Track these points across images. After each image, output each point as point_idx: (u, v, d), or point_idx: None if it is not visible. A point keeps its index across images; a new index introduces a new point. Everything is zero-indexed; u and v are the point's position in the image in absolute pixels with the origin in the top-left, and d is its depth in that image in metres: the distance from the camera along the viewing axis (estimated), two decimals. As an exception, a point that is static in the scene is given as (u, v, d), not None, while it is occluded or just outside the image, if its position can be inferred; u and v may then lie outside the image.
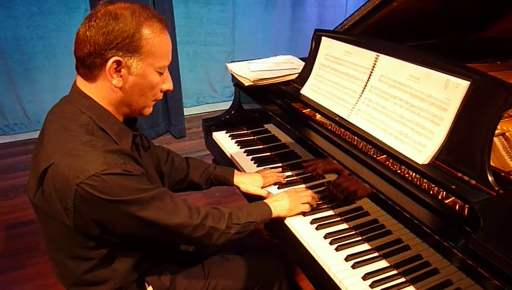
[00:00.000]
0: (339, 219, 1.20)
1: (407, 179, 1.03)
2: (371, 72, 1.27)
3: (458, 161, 1.00)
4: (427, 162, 1.04)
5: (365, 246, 1.09)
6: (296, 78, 1.63)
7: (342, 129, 1.28)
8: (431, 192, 0.98)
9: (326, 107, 1.39)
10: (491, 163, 0.97)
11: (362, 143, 1.20)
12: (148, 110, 1.03)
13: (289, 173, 1.45)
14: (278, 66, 1.74)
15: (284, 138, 1.51)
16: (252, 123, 1.75)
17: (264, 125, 1.65)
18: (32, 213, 1.02)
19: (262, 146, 1.65)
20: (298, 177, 1.42)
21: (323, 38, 1.50)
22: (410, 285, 0.97)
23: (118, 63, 0.90)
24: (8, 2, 2.98)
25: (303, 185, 1.38)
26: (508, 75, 1.53)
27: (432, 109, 1.06)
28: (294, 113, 1.46)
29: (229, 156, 1.62)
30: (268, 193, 1.33)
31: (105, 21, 0.88)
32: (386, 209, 1.04)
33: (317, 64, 1.50)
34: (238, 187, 1.39)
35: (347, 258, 1.05)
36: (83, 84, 0.96)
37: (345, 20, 1.61)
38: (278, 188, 1.37)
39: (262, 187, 1.35)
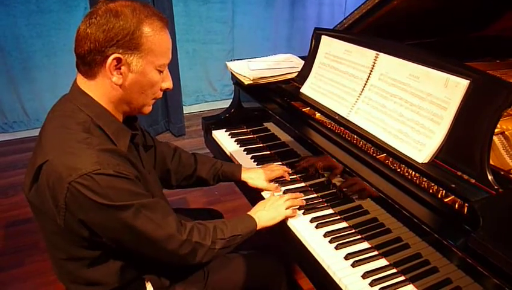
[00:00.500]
0: (339, 217, 1.20)
1: (406, 177, 1.03)
2: (371, 71, 1.27)
3: (458, 159, 1.00)
4: (426, 161, 1.04)
5: (365, 245, 1.10)
6: (295, 76, 1.63)
7: (341, 128, 1.28)
8: (430, 191, 0.98)
9: (326, 105, 1.39)
10: (491, 162, 0.97)
11: (362, 142, 1.20)
12: (148, 109, 1.03)
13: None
14: (278, 65, 1.74)
15: (284, 136, 1.51)
16: (251, 122, 1.75)
17: (264, 124, 1.65)
18: (31, 211, 1.02)
19: (262, 145, 1.65)
20: (298, 175, 1.42)
21: (323, 36, 1.50)
22: (409, 283, 0.97)
23: (118, 60, 0.90)
24: (7, 0, 2.97)
25: (303, 184, 1.38)
26: (507, 74, 1.53)
27: (431, 107, 1.07)
28: (294, 112, 1.46)
29: (229, 154, 1.62)
30: (277, 186, 1.34)
31: (106, 18, 0.88)
32: (386, 207, 1.04)
33: (317, 63, 1.50)
34: (246, 183, 1.39)
35: (347, 257, 1.05)
36: (82, 82, 0.96)
37: (344, 18, 1.61)
38: (281, 185, 1.37)
39: (269, 181, 1.37)
